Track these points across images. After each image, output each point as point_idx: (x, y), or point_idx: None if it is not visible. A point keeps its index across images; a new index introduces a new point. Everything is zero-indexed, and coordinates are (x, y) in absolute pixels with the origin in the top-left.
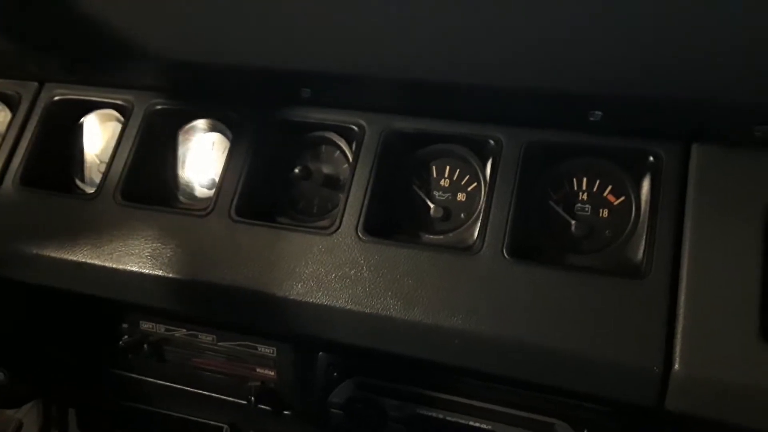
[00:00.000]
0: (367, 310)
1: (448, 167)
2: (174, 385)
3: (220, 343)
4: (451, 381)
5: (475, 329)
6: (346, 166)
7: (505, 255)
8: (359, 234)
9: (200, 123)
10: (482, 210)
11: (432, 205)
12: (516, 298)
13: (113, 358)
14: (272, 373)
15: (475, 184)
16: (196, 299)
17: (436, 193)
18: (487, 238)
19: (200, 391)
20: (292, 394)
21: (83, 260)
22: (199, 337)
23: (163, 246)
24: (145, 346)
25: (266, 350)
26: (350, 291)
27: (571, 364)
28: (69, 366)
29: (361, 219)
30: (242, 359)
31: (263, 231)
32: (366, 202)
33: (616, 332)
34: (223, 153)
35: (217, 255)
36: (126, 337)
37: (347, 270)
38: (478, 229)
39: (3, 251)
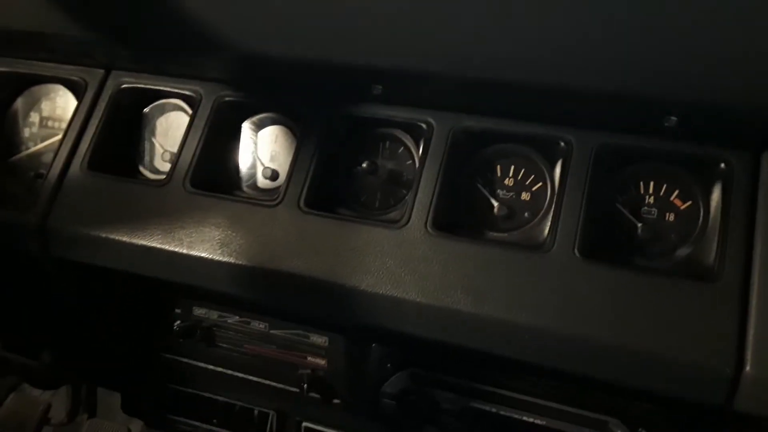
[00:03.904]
0: (438, 304)
1: (513, 166)
2: (224, 371)
3: (272, 331)
4: (506, 376)
5: (545, 325)
6: (409, 162)
7: (577, 254)
8: (428, 229)
9: (265, 116)
10: (552, 210)
11: (496, 203)
12: (587, 297)
13: (164, 343)
14: (323, 362)
15: (540, 184)
16: (266, 287)
17: (499, 192)
18: (558, 238)
19: (249, 377)
20: (342, 384)
21: (154, 245)
22: (252, 324)
23: (234, 233)
24: (198, 331)
25: (318, 339)
26: (421, 284)
27: (641, 362)
28: (117, 350)
29: (430, 214)
30: (294, 347)
31: (332, 222)
32: (435, 198)
33: (688, 333)
34: (286, 146)
35: (287, 245)
36: (179, 322)
37: (417, 264)
38: (548, 229)
39: (72, 234)
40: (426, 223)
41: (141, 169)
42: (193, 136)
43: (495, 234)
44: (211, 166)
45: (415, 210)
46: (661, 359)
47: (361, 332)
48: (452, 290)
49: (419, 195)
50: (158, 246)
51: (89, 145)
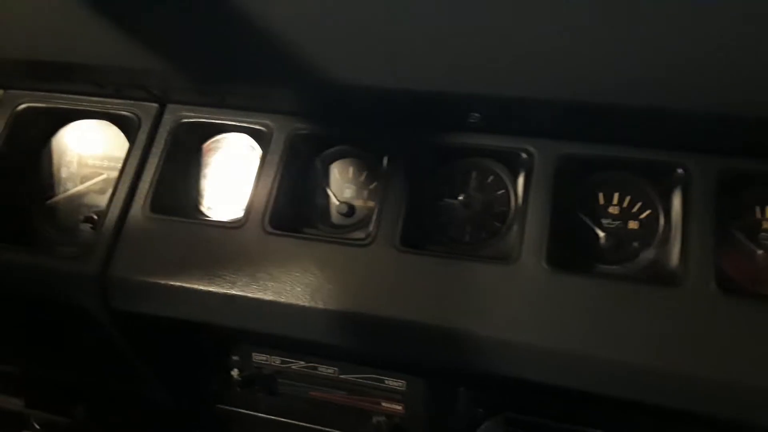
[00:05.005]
0: (561, 347)
1: (616, 194)
2: (286, 421)
3: (342, 376)
4: (609, 418)
5: (683, 368)
6: (501, 192)
7: (713, 287)
8: (543, 265)
9: (337, 148)
10: (676, 240)
11: (602, 234)
12: (727, 334)
13: (219, 393)
14: (399, 408)
15: (649, 211)
16: (367, 334)
17: (604, 221)
18: (691, 270)
19: (315, 427)
20: (423, 431)
21: (236, 292)
22: (319, 369)
23: (325, 277)
24: (258, 379)
25: (394, 383)
26: (540, 326)
27: None
28: (166, 403)
29: (544, 249)
30: (366, 393)
31: (433, 261)
32: (546, 231)
33: None
34: (361, 179)
35: (387, 287)
36: (236, 370)
37: (534, 302)
38: (671, 260)
39: (137, 283)
40: (540, 258)
41: (201, 209)
42: (267, 173)
43: (605, 267)
44: (288, 204)
45: (525, 245)
46: None
47: (446, 375)
48: (575, 331)
49: (528, 228)
50: (240, 293)
51: (149, 185)
